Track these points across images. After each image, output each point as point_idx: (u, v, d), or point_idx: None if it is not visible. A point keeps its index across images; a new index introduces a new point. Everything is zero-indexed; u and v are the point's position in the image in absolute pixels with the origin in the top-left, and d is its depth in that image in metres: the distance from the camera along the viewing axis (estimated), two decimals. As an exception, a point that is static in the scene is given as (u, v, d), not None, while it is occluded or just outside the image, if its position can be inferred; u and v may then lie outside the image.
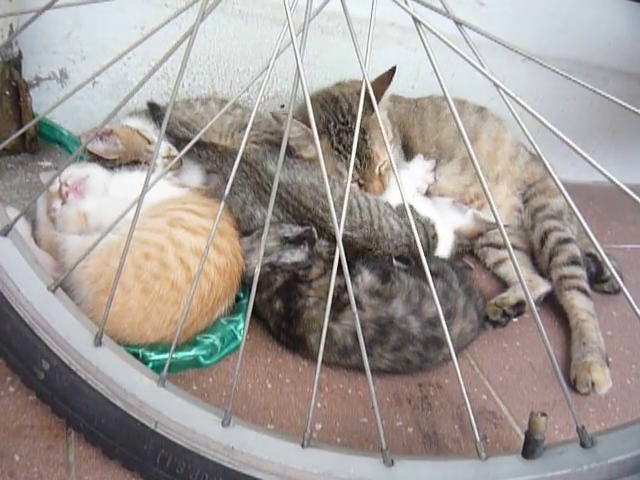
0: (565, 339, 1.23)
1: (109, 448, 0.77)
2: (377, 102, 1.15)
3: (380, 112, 1.21)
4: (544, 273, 1.33)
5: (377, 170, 1.22)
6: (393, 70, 1.20)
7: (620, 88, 1.81)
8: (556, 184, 0.59)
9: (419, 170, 1.33)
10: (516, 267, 0.62)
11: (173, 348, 0.73)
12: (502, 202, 1.46)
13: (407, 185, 1.25)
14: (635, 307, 0.60)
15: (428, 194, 1.35)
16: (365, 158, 1.20)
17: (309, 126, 1.16)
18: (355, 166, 1.20)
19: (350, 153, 1.19)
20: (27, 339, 0.76)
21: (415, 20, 0.53)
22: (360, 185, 1.23)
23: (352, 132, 1.20)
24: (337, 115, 1.22)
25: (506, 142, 1.46)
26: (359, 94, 0.61)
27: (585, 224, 0.59)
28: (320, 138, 1.20)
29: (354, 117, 1.20)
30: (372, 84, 1.17)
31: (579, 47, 1.75)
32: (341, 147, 1.20)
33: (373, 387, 0.67)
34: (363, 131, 1.19)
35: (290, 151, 1.23)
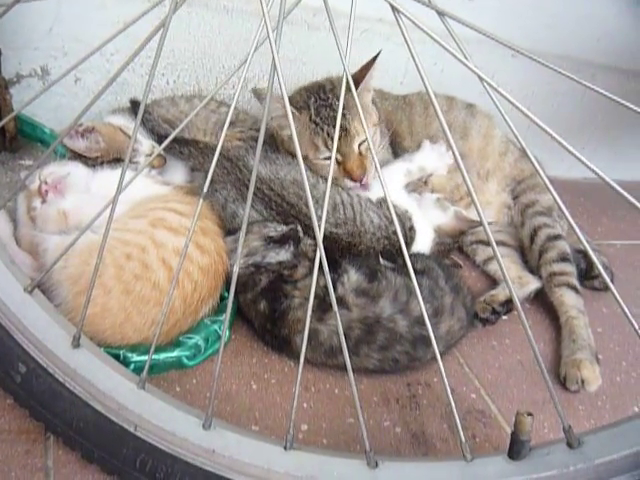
0: (555, 336, 1.22)
1: (88, 452, 0.75)
2: (359, 83, 1.16)
3: (364, 94, 1.22)
4: (534, 270, 1.33)
5: (356, 147, 1.17)
6: (377, 54, 1.18)
7: (609, 84, 1.80)
8: (543, 180, 0.58)
9: (430, 154, 1.30)
10: (500, 265, 0.61)
11: (152, 349, 0.72)
12: (492, 199, 1.45)
13: (391, 178, 1.23)
14: (622, 304, 0.59)
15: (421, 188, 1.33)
16: (342, 130, 1.14)
17: (292, 106, 1.14)
18: (332, 138, 1.15)
19: (328, 125, 1.15)
20: (3, 341, 0.74)
21: (393, 9, 0.51)
22: (338, 163, 1.17)
23: (331, 107, 1.17)
24: (319, 93, 1.20)
25: (496, 138, 1.46)
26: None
27: (573, 222, 0.58)
28: (300, 113, 1.17)
29: (335, 96, 1.17)
30: (356, 71, 1.17)
31: (568, 43, 1.74)
32: (318, 119, 1.16)
33: (359, 387, 0.66)
34: (343, 106, 1.16)
35: (271, 145, 1.21)
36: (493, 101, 0.58)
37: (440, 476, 0.67)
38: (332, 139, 1.15)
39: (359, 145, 1.17)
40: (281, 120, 1.19)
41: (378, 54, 1.18)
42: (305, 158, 1.16)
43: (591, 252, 0.62)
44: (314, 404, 0.95)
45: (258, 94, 1.16)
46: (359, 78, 1.16)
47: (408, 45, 0.50)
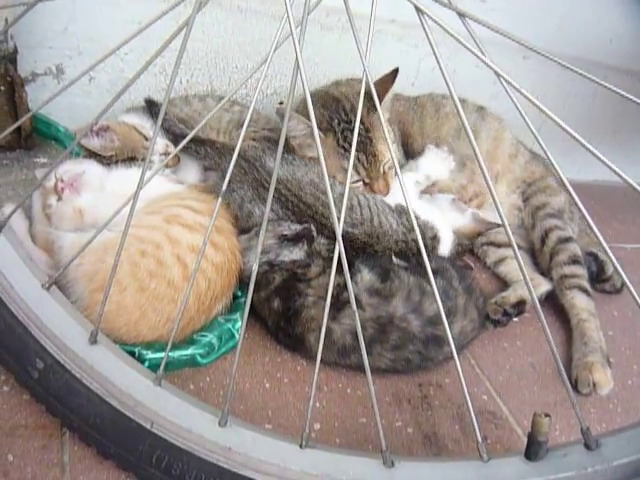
0: (566, 339, 1.22)
1: (104, 448, 0.75)
2: (379, 102, 1.15)
3: (383, 113, 1.22)
4: (545, 272, 1.33)
5: (382, 168, 1.20)
6: (395, 71, 1.19)
7: (620, 86, 1.78)
8: (560, 178, 0.58)
9: (435, 159, 1.30)
10: (521, 266, 0.61)
11: (169, 347, 0.72)
12: (502, 201, 1.43)
13: (409, 186, 1.23)
14: (639, 300, 0.59)
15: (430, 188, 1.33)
16: (370, 156, 1.18)
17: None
18: (362, 164, 1.18)
19: (357, 151, 1.17)
20: (21, 337, 0.75)
21: (417, 10, 0.51)
22: (365, 184, 1.21)
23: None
24: (340, 114, 1.20)
25: (505, 141, 1.45)
26: (360, 94, 0.60)
27: (589, 219, 0.58)
28: (325, 135, 1.18)
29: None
30: (374, 85, 1.17)
31: (579, 45, 1.73)
32: (347, 145, 1.18)
33: (373, 387, 0.66)
34: (367, 129, 1.17)
35: (289, 148, 1.21)
36: (510, 98, 0.58)
37: (456, 476, 0.67)
38: (362, 165, 1.19)
39: (383, 165, 1.20)
40: (301, 139, 1.19)
41: (396, 71, 1.19)
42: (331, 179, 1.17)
43: (609, 251, 0.62)
44: (327, 403, 0.96)
45: (282, 114, 1.16)
46: (379, 94, 1.15)
47: (432, 46, 0.51)
